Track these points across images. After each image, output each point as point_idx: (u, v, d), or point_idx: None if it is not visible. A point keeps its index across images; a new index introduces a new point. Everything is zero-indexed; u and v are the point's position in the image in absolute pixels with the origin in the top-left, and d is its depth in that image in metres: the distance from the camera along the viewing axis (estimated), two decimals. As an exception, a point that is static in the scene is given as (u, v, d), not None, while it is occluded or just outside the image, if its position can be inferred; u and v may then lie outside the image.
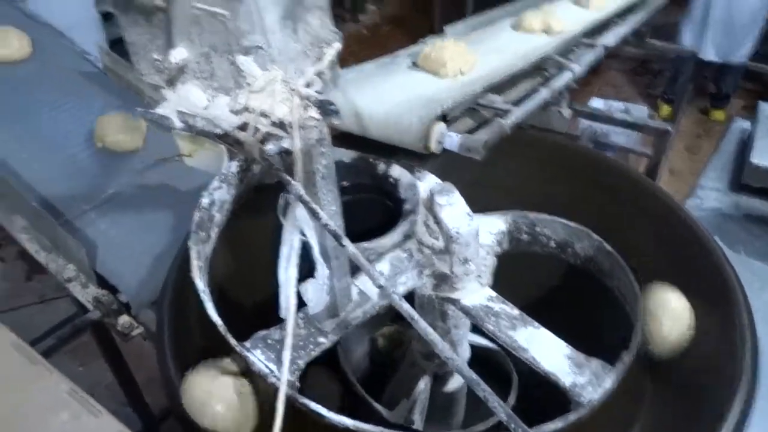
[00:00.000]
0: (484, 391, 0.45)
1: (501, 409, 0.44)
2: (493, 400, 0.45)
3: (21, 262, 2.55)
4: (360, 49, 4.46)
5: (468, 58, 1.19)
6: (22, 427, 0.68)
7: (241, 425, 0.75)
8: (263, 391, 0.78)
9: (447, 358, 0.48)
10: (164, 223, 1.14)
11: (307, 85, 0.64)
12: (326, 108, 0.65)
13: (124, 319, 1.03)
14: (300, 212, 0.64)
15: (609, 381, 0.71)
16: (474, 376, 0.47)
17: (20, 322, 1.70)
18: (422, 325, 0.50)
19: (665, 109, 3.62)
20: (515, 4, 1.72)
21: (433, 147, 0.90)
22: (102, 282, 1.07)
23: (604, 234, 0.99)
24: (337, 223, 0.65)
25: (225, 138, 0.75)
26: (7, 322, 1.29)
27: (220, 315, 0.78)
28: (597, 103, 2.65)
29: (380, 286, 0.52)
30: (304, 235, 0.70)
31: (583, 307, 1.05)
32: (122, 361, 1.40)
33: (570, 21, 1.56)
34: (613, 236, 1.01)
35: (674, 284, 0.94)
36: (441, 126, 0.91)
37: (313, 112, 0.64)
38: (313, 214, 0.59)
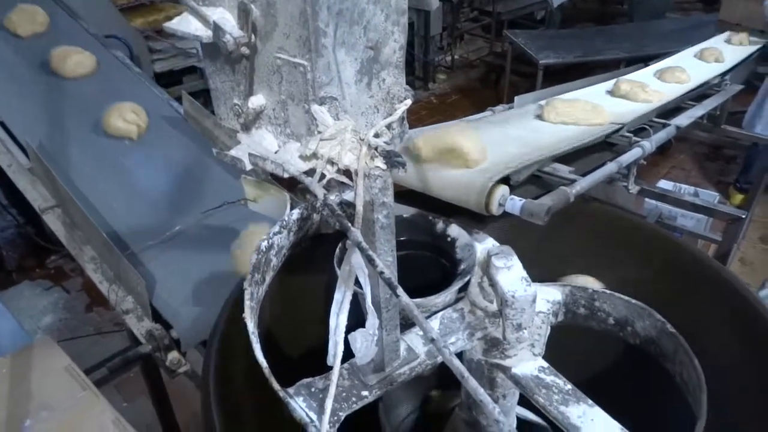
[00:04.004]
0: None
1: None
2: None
3: (83, 295, 2.65)
4: (428, 115, 4.58)
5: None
6: (65, 450, 0.68)
7: None
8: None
9: (496, 419, 0.45)
10: (223, 264, 1.17)
11: (376, 136, 0.66)
12: (393, 159, 0.66)
13: (173, 355, 1.04)
14: (356, 259, 0.65)
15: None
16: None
17: (76, 352, 1.75)
18: (472, 383, 0.48)
19: (737, 197, 3.49)
20: (585, 80, 1.74)
21: (494, 209, 0.90)
22: (157, 317, 1.10)
23: (666, 316, 0.94)
24: (392, 274, 0.64)
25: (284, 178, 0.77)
26: (66, 352, 1.33)
27: (267, 359, 0.78)
28: (666, 185, 2.59)
29: (432, 339, 0.51)
30: (358, 283, 0.71)
31: (640, 389, 0.99)
32: (166, 399, 1.40)
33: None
34: (675, 319, 0.96)
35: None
36: (504, 189, 0.90)
37: (380, 162, 0.65)
38: (370, 261, 0.59)
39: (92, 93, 1.73)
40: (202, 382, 0.88)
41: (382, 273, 0.58)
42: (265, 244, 1.00)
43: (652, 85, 1.72)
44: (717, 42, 2.45)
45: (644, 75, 1.94)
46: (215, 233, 1.24)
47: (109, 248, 1.08)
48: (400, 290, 0.56)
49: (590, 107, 1.42)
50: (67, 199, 1.16)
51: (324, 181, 0.69)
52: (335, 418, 0.74)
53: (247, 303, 0.87)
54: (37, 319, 2.50)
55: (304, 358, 1.11)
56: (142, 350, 1.04)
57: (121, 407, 2.04)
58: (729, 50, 2.32)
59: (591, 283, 1.05)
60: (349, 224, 0.63)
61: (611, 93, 1.69)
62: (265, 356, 0.80)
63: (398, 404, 1.12)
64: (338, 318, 0.68)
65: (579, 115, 1.38)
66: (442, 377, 1.11)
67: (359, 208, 0.64)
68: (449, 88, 5.20)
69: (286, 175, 0.72)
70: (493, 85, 5.16)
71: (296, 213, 1.05)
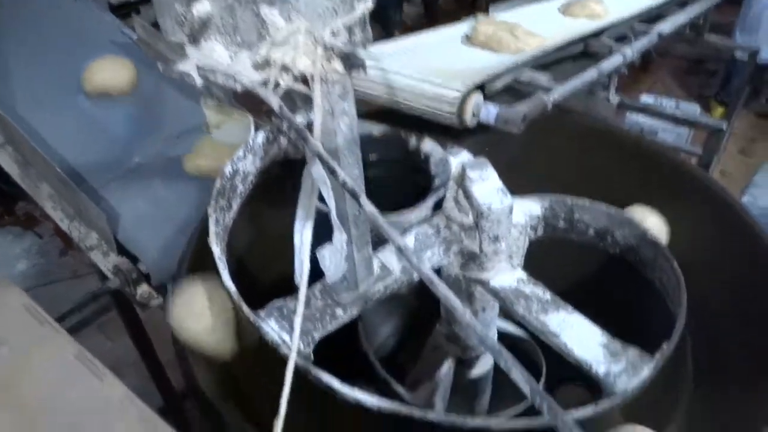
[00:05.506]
0: (507, 361, 0.39)
1: (524, 380, 0.39)
2: (518, 372, 0.40)
3: (56, 239, 2.59)
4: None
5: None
6: (27, 388, 0.66)
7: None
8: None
9: (467, 324, 0.43)
10: (188, 194, 1.13)
11: (333, 36, 0.60)
12: (351, 60, 0.60)
13: (143, 289, 1.01)
14: (317, 171, 0.60)
15: (646, 370, 0.65)
16: (498, 346, 0.42)
17: (53, 297, 1.71)
18: (442, 289, 0.45)
19: (718, 111, 3.46)
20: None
21: (468, 119, 0.85)
22: (123, 251, 1.06)
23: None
24: (357, 186, 0.60)
25: (247, 101, 0.72)
26: (42, 297, 1.28)
27: (241, 289, 0.76)
28: (647, 100, 2.55)
29: (398, 248, 0.47)
30: (323, 201, 0.67)
31: (619, 298, 0.98)
32: (144, 335, 1.39)
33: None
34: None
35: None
36: (478, 97, 0.85)
37: (337, 65, 0.60)
38: (331, 172, 0.55)
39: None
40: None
41: (344, 183, 0.54)
42: (228, 169, 0.95)
43: (536, 26, 1.23)
44: None
45: (546, 9, 1.46)
46: (177, 162, 1.18)
47: (65, 183, 1.02)
48: (363, 199, 0.52)
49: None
50: (17, 136, 1.09)
51: (280, 91, 0.64)
52: (309, 338, 0.72)
53: (212, 229, 0.84)
54: (11, 266, 2.45)
55: (279, 289, 1.09)
56: (110, 285, 1.01)
57: (105, 347, 2.04)
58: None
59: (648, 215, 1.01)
60: (308, 133, 0.58)
61: (469, 40, 1.20)
62: (239, 286, 0.78)
63: (379, 326, 1.11)
64: (302, 235, 0.64)
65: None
66: (422, 298, 1.10)
67: (318, 116, 0.59)
68: (424, 11, 5.05)
69: (238, 87, 0.67)
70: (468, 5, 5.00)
71: (261, 136, 1.00)
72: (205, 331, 0.75)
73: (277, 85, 0.64)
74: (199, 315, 0.75)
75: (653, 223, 0.95)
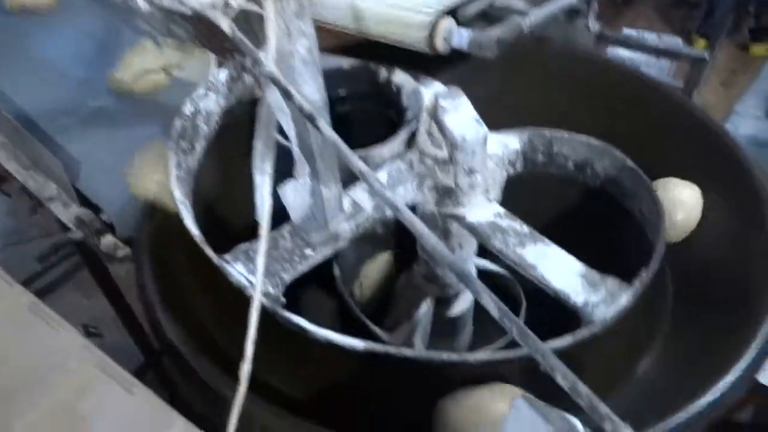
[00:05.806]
0: (476, 286, 0.36)
1: (493, 305, 0.36)
2: (487, 297, 0.37)
3: (26, 197, 2.50)
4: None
5: None
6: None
7: None
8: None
9: (433, 248, 0.39)
10: (150, 139, 1.07)
11: (283, -54, 0.55)
12: (305, -27, 0.55)
13: (107, 240, 0.96)
14: (273, 97, 0.56)
15: (625, 298, 0.63)
16: (467, 271, 0.39)
17: (24, 256, 1.65)
18: (407, 215, 0.41)
19: (701, 43, 3.40)
20: None
21: (440, 45, 0.80)
22: (86, 201, 1.01)
23: (633, 156, 0.90)
24: (317, 112, 0.56)
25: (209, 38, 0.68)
26: (14, 256, 1.21)
27: (211, 237, 0.72)
28: (628, 33, 2.49)
29: (359, 172, 0.44)
30: (286, 138, 0.63)
31: (599, 233, 0.96)
32: (116, 289, 1.35)
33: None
34: (640, 158, 0.92)
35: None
36: (449, 21, 0.80)
37: (291, -22, 0.55)
38: (287, 96, 0.50)
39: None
40: (135, 262, 0.81)
41: (301, 107, 0.50)
42: (189, 108, 0.90)
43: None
44: None
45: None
46: (137, 106, 1.12)
47: (18, 130, 0.96)
48: (321, 123, 0.48)
49: None
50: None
51: (231, 12, 0.59)
52: (278, 279, 0.69)
53: (172, 171, 0.80)
54: (-20, 226, 2.37)
55: (252, 234, 1.06)
56: (72, 236, 0.96)
57: (81, 305, 2.00)
58: None
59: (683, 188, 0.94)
60: (260, 54, 0.53)
61: None
62: (210, 231, 0.74)
63: (355, 267, 1.08)
64: (263, 170, 0.60)
65: None
66: (400, 238, 1.07)
67: (271, 36, 0.54)
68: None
69: (187, 11, 0.62)
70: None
71: (223, 74, 0.95)
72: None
73: (227, 5, 0.58)
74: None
75: (689, 195, 0.90)
